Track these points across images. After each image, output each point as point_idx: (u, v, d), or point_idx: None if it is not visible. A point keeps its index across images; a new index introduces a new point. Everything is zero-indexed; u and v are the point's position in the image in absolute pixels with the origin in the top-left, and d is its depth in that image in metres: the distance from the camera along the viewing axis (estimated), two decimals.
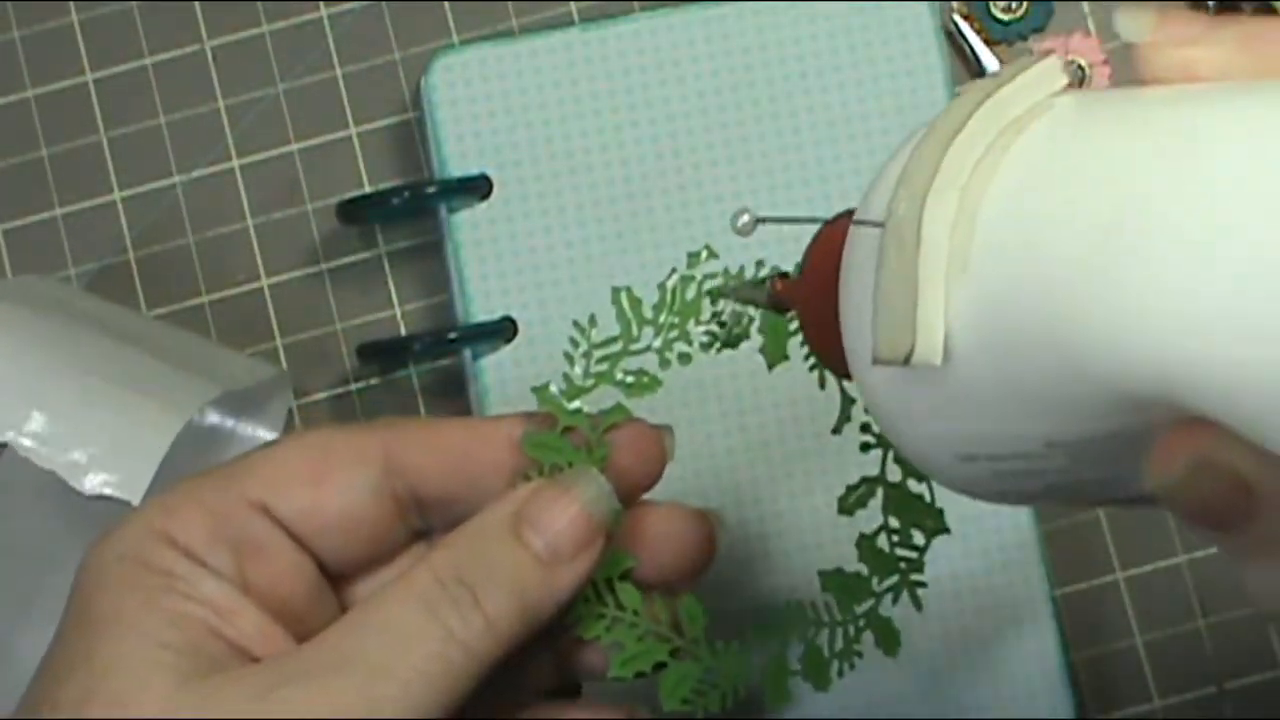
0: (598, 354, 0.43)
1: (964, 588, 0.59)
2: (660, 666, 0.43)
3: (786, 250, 0.59)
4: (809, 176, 0.60)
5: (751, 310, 0.43)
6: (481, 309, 0.60)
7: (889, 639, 0.44)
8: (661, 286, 0.43)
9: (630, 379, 0.43)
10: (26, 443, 0.49)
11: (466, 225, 0.60)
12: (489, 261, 0.60)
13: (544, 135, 0.60)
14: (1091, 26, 0.63)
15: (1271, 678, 0.61)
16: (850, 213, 0.37)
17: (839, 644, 0.44)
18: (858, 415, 0.43)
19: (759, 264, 0.43)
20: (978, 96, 0.34)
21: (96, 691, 0.38)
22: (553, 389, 0.43)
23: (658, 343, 0.43)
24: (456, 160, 0.60)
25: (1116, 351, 0.30)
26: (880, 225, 0.34)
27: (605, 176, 0.60)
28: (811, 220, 0.39)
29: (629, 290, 0.43)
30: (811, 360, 0.42)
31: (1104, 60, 0.63)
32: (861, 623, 0.44)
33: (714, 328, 0.43)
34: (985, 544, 0.59)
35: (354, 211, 0.61)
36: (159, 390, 0.52)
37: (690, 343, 0.44)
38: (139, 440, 0.50)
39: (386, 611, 0.39)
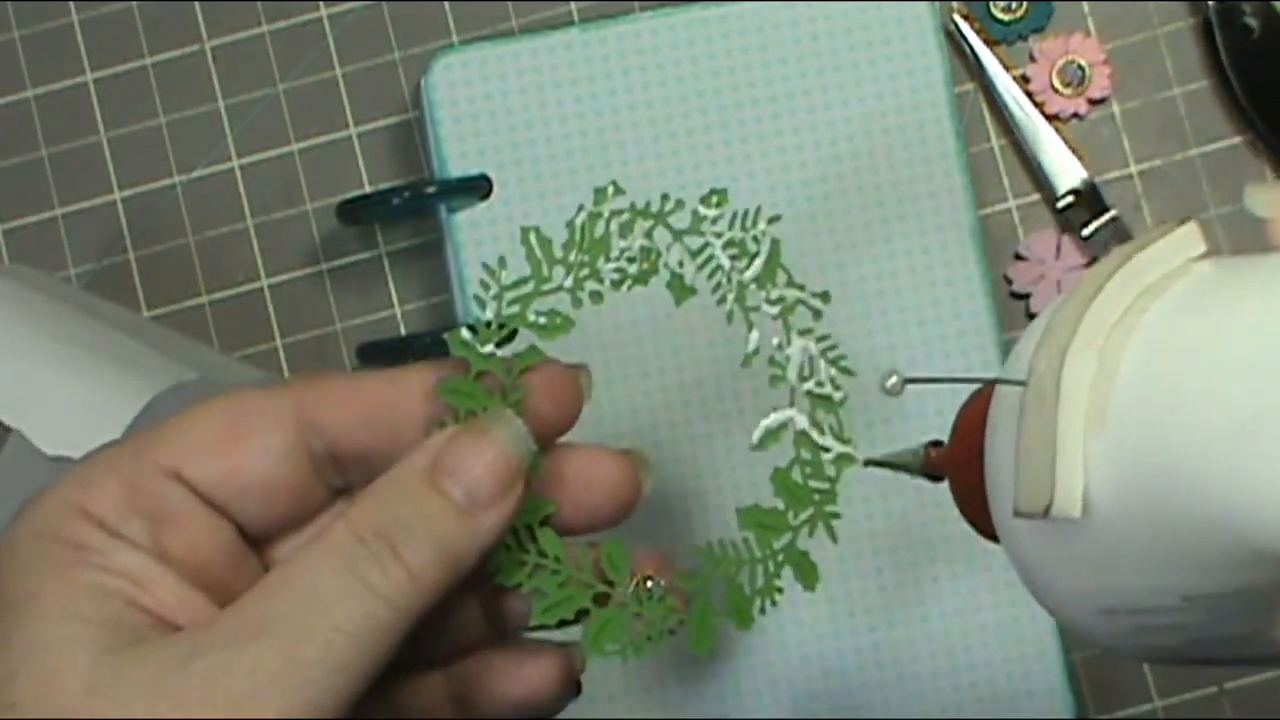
0: (509, 295, 0.43)
1: (964, 587, 0.59)
2: (583, 613, 0.42)
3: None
4: (809, 177, 0.60)
5: (660, 245, 0.43)
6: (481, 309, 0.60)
7: (807, 572, 0.44)
8: (570, 224, 0.43)
9: (543, 320, 0.43)
10: None
11: (466, 225, 0.60)
12: (489, 261, 0.60)
13: (544, 135, 0.60)
14: (1091, 26, 0.63)
15: (1271, 678, 0.61)
16: (991, 382, 0.38)
17: (759, 581, 0.44)
18: (766, 349, 0.44)
19: (664, 197, 0.43)
20: (1117, 260, 0.35)
21: (17, 672, 0.37)
22: (464, 334, 0.42)
23: (569, 282, 0.43)
24: (456, 160, 0.60)
25: (1262, 510, 0.31)
26: (1022, 384, 0.35)
27: (605, 176, 0.60)
28: (959, 380, 0.40)
29: (538, 230, 0.43)
30: (718, 295, 0.42)
31: (1104, 60, 0.63)
32: (780, 558, 0.44)
33: (624, 264, 0.43)
34: (986, 544, 0.59)
35: (354, 211, 0.61)
36: (133, 364, 0.52)
37: (601, 281, 0.43)
38: (105, 406, 0.50)
39: (305, 571, 0.39)
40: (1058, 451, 0.34)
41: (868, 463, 0.44)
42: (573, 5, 0.63)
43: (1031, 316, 0.62)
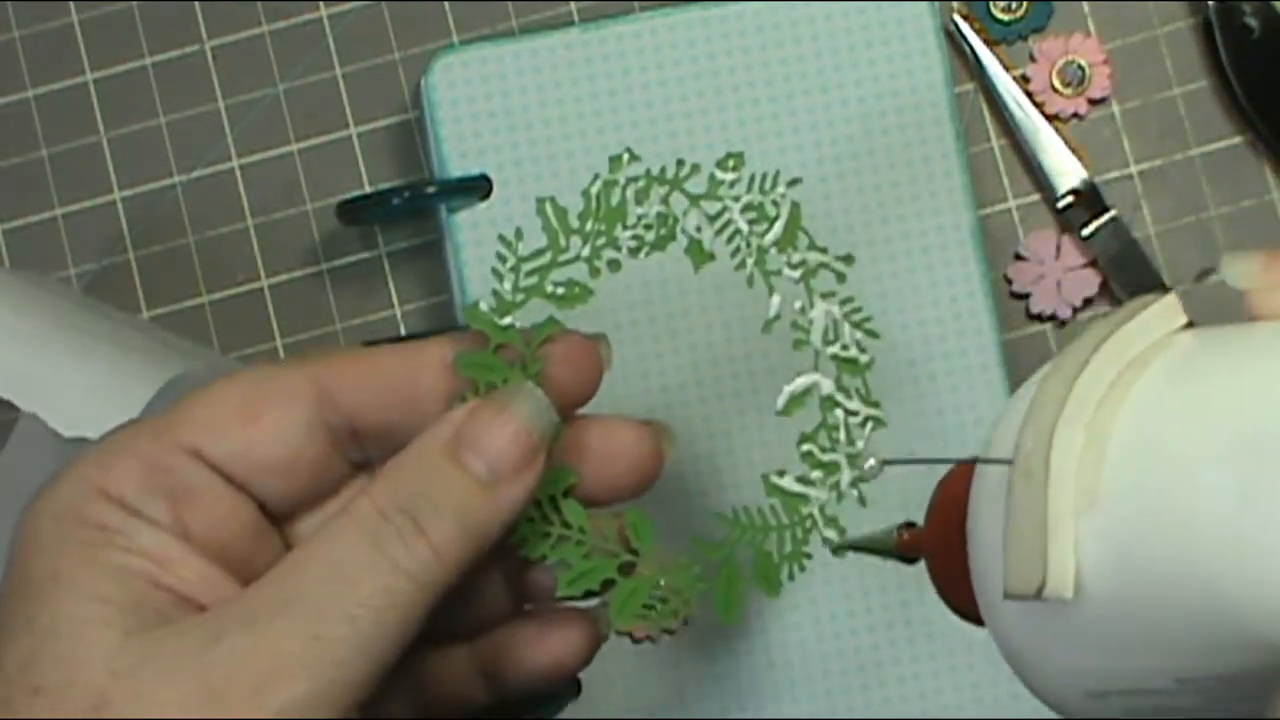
0: (526, 267, 0.43)
1: None
2: (609, 583, 0.42)
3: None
4: (809, 177, 0.60)
5: (677, 211, 0.43)
6: None
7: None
8: (585, 193, 0.43)
9: (561, 290, 0.42)
10: (10, 386, 0.49)
11: (466, 225, 0.60)
12: (489, 261, 0.59)
13: (544, 135, 0.60)
14: (1091, 27, 0.63)
15: None
16: (971, 461, 0.37)
17: (788, 547, 0.43)
18: (787, 313, 0.43)
19: (679, 162, 0.43)
20: (1101, 334, 0.35)
21: (40, 654, 0.37)
22: (482, 307, 0.42)
23: (586, 251, 0.43)
24: (456, 160, 0.60)
25: (1258, 593, 0.30)
26: (1007, 462, 0.34)
27: None
28: (936, 461, 0.40)
29: (553, 199, 0.43)
30: (738, 260, 0.42)
31: (1104, 60, 0.63)
32: (809, 524, 0.44)
33: (641, 231, 0.43)
34: None
35: (354, 211, 0.61)
36: (144, 349, 0.52)
37: (619, 249, 0.43)
38: (121, 388, 0.50)
39: (328, 548, 0.38)
40: (1049, 531, 0.33)
41: (838, 547, 0.44)
42: (573, 5, 0.63)
43: (1032, 316, 0.62)
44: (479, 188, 0.60)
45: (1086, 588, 0.34)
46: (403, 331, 0.62)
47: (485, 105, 0.60)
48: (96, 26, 0.63)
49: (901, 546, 0.42)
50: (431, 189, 0.60)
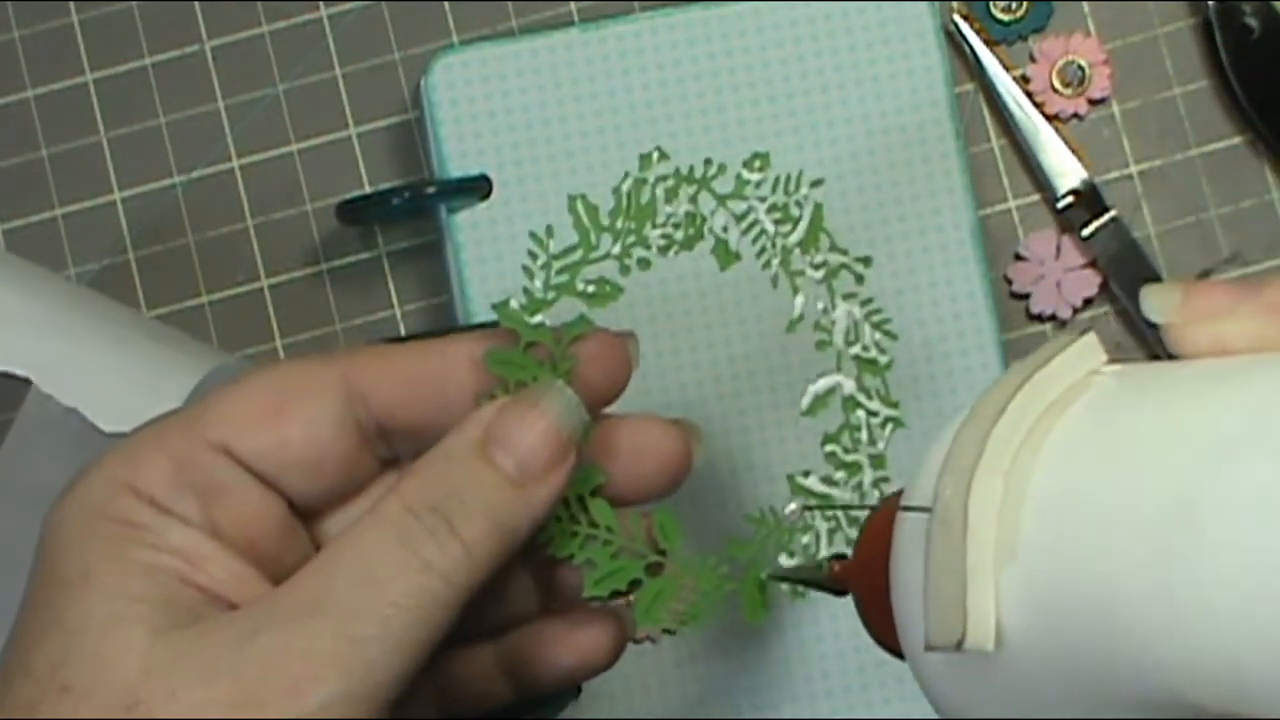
0: (557, 265, 0.42)
1: None
2: (636, 583, 0.42)
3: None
4: (808, 177, 0.60)
5: (705, 211, 0.43)
6: (481, 309, 0.60)
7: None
8: (616, 191, 0.43)
9: (591, 288, 0.42)
10: (50, 380, 0.49)
11: (466, 225, 0.60)
12: (489, 261, 0.60)
13: (544, 135, 0.60)
14: (1091, 26, 0.63)
15: None
16: (898, 494, 0.37)
17: (812, 549, 0.43)
18: (811, 314, 0.43)
19: (707, 162, 0.43)
20: (1019, 378, 0.34)
21: (70, 653, 0.37)
22: (513, 305, 0.42)
23: (616, 249, 0.43)
24: (456, 160, 0.60)
25: (1181, 652, 0.29)
26: (927, 510, 0.34)
27: (605, 176, 0.60)
28: (858, 507, 0.39)
29: (584, 197, 0.43)
30: (763, 260, 0.42)
31: (1104, 60, 0.63)
32: (833, 523, 0.44)
33: (670, 230, 0.43)
34: None
35: (354, 212, 0.61)
36: (177, 344, 0.52)
37: (648, 247, 0.43)
38: (161, 381, 0.50)
39: (359, 547, 0.38)
40: (968, 583, 0.33)
41: (769, 577, 0.43)
42: (573, 5, 0.63)
43: (1032, 316, 0.62)
44: (479, 188, 0.60)
45: (1008, 640, 0.33)
46: (403, 331, 0.62)
47: (485, 105, 0.60)
48: (96, 26, 0.63)
49: (831, 578, 0.42)
50: (431, 189, 0.60)
